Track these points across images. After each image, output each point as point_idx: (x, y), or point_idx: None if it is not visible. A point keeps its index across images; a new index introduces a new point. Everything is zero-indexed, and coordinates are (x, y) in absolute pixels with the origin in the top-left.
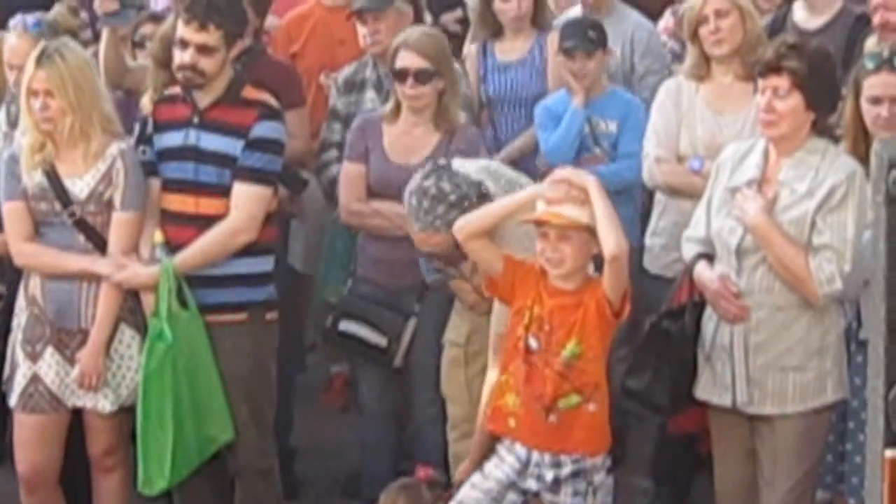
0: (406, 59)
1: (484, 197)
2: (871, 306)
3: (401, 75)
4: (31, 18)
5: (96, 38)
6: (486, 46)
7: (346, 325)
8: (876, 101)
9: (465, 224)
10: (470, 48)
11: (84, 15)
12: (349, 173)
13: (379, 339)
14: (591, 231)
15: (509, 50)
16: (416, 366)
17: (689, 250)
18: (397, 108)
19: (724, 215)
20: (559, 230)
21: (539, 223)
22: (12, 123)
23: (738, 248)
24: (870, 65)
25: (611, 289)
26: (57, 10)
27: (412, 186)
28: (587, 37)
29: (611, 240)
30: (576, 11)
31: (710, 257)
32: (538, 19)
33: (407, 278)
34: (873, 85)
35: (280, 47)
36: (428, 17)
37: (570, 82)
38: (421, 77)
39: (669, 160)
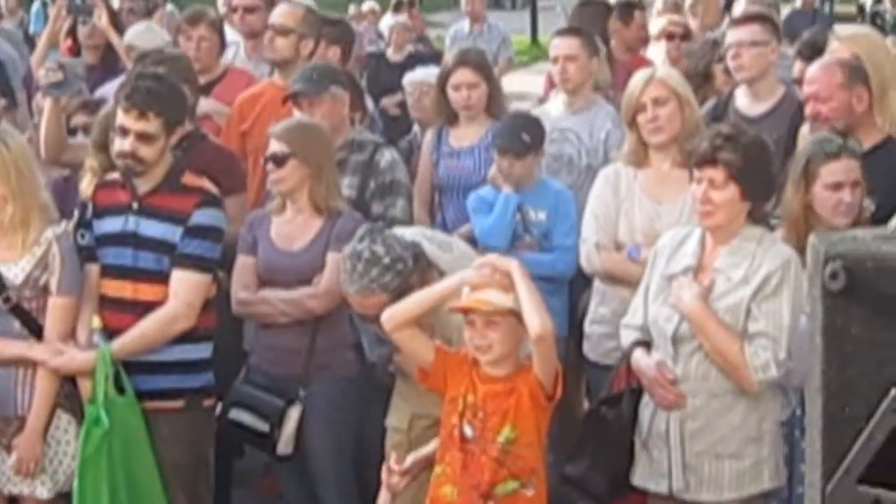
0: (270, 146)
1: (419, 258)
2: (808, 399)
3: (266, 161)
4: None
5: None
6: (442, 132)
7: (235, 414)
8: (837, 187)
9: (392, 314)
10: (427, 134)
11: None
12: (238, 265)
13: (261, 426)
14: (517, 316)
15: (462, 136)
16: (308, 454)
17: (626, 337)
18: (283, 202)
19: (660, 303)
20: (485, 317)
21: (464, 311)
22: None
23: (674, 335)
24: (828, 151)
25: (541, 371)
26: None
27: (347, 251)
28: (520, 139)
29: (535, 321)
30: (558, 101)
31: (647, 344)
32: (492, 108)
33: (293, 366)
34: (833, 171)
35: (232, 125)
36: (369, 101)
37: (498, 176)
38: (277, 160)
39: (608, 247)
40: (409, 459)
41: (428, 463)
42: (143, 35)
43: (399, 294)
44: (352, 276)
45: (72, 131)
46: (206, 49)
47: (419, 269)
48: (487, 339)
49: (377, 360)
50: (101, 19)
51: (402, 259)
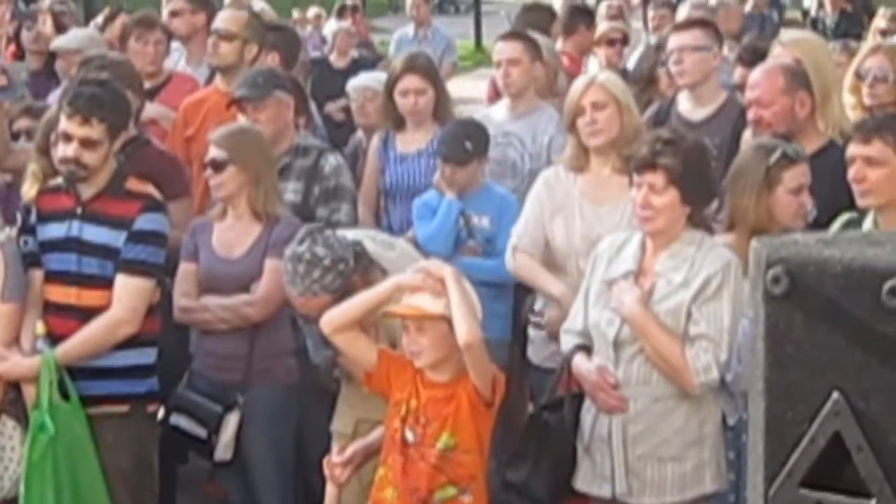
0: (209, 152)
1: (360, 257)
2: (751, 403)
3: (205, 167)
4: None
5: None
6: (388, 138)
7: (176, 419)
8: (798, 191)
9: (331, 318)
10: (373, 139)
11: None
12: (180, 273)
13: (200, 431)
14: (450, 322)
15: (409, 142)
16: (248, 460)
17: (567, 342)
18: (224, 209)
19: (601, 307)
20: (416, 322)
21: (397, 316)
22: None
23: (615, 339)
24: (791, 156)
25: (476, 378)
26: None
27: (288, 253)
28: (463, 147)
29: (463, 328)
30: (502, 106)
31: (588, 349)
32: (439, 113)
33: (233, 372)
34: (796, 175)
35: (177, 130)
36: (313, 107)
37: (441, 183)
38: (214, 166)
39: (526, 251)
40: (350, 449)
41: (369, 453)
42: (73, 39)
43: (342, 294)
44: (294, 279)
45: (14, 136)
46: (159, 53)
47: (360, 267)
48: (419, 344)
49: (321, 362)
50: (46, 25)
51: (343, 259)
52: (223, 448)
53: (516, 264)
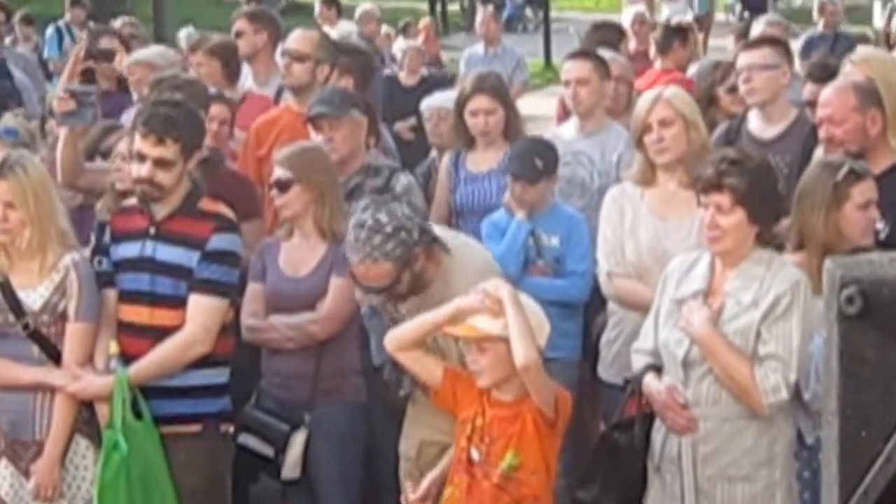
0: (274, 172)
1: (425, 231)
2: (825, 423)
3: (270, 187)
4: (1, 127)
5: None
6: (459, 157)
7: (244, 439)
8: (867, 206)
9: (394, 336)
10: (444, 158)
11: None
12: (248, 293)
13: (267, 450)
14: (508, 342)
15: (480, 161)
16: (315, 478)
17: (637, 362)
18: (291, 226)
19: (670, 327)
20: (475, 342)
21: (458, 336)
22: None
23: (684, 359)
24: (858, 172)
25: (535, 399)
26: (19, 120)
27: (351, 222)
28: (532, 165)
29: (519, 350)
30: (571, 125)
31: (658, 369)
32: (509, 132)
33: (300, 390)
34: (864, 191)
35: (248, 150)
36: (382, 126)
37: (511, 202)
38: (280, 186)
39: (620, 274)
40: (425, 483)
41: (444, 482)
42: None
43: (403, 265)
44: (355, 246)
45: (104, 154)
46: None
47: (424, 241)
48: (479, 364)
49: (388, 376)
50: (122, 63)
51: (404, 228)
52: (290, 467)
53: (616, 291)
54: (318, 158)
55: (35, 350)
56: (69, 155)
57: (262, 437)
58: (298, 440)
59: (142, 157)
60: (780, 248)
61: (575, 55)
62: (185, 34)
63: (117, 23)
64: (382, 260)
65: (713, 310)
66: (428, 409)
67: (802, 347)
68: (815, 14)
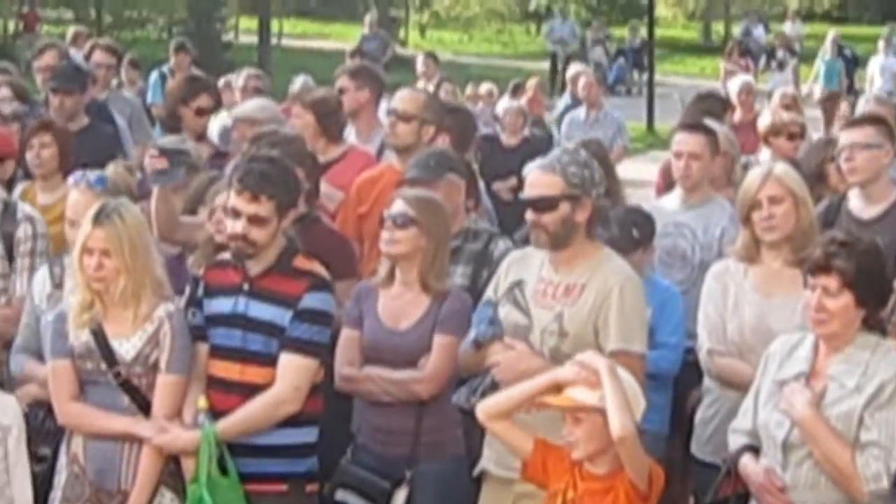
0: (394, 206)
1: (600, 199)
2: None
3: (383, 222)
4: (93, 175)
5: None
6: None
7: (342, 495)
8: None
9: (487, 406)
10: None
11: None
12: (343, 339)
13: None
14: (605, 414)
15: None
16: None
17: (734, 442)
18: (391, 274)
19: (771, 408)
20: (570, 413)
21: (554, 407)
22: (57, 284)
23: (784, 441)
24: None
25: (630, 471)
26: (114, 169)
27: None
28: (629, 234)
29: (616, 421)
30: (675, 196)
31: (756, 449)
32: (608, 197)
33: (400, 446)
34: None
35: (349, 207)
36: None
37: None
38: (398, 221)
39: (722, 352)
40: None
41: None
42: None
43: (573, 196)
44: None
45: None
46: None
47: (597, 203)
48: (575, 435)
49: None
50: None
51: (593, 179)
52: None
53: (718, 369)
54: (441, 212)
55: (125, 400)
56: (163, 210)
57: (361, 494)
58: (400, 497)
59: (236, 214)
60: (884, 332)
61: (689, 127)
62: (300, 82)
63: (242, 75)
64: (560, 174)
65: (816, 393)
66: None
67: None
68: None
